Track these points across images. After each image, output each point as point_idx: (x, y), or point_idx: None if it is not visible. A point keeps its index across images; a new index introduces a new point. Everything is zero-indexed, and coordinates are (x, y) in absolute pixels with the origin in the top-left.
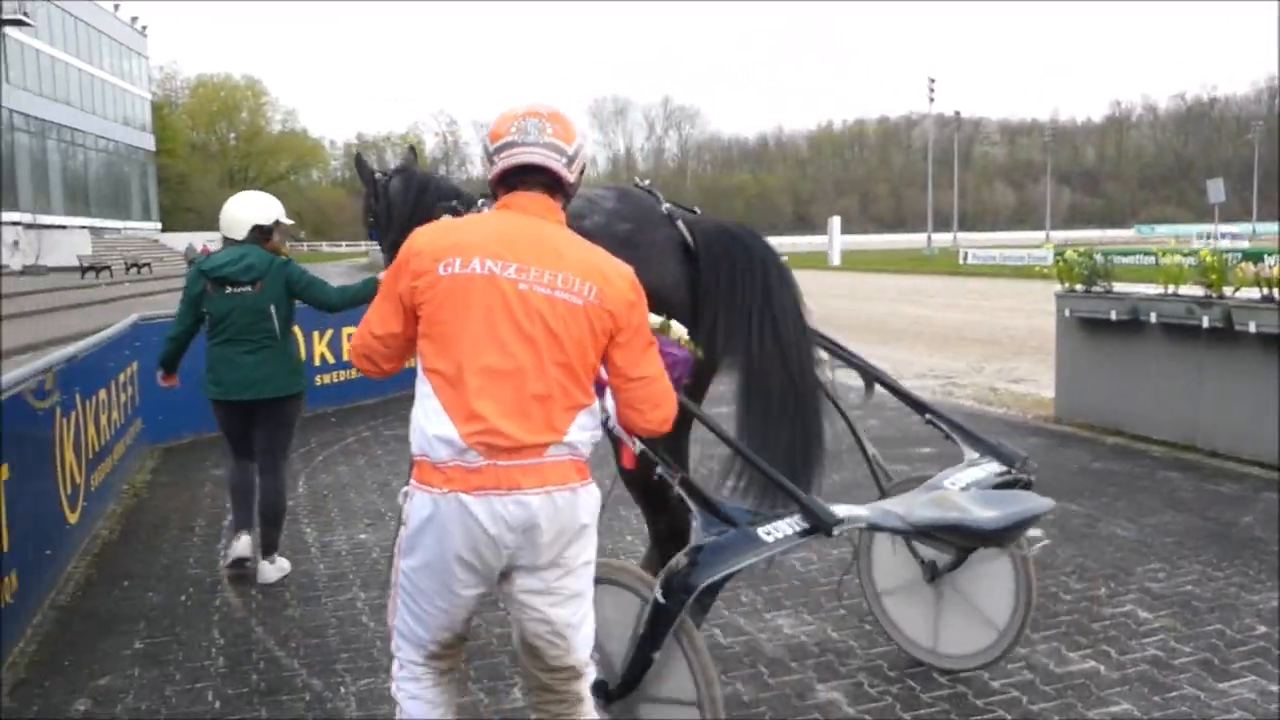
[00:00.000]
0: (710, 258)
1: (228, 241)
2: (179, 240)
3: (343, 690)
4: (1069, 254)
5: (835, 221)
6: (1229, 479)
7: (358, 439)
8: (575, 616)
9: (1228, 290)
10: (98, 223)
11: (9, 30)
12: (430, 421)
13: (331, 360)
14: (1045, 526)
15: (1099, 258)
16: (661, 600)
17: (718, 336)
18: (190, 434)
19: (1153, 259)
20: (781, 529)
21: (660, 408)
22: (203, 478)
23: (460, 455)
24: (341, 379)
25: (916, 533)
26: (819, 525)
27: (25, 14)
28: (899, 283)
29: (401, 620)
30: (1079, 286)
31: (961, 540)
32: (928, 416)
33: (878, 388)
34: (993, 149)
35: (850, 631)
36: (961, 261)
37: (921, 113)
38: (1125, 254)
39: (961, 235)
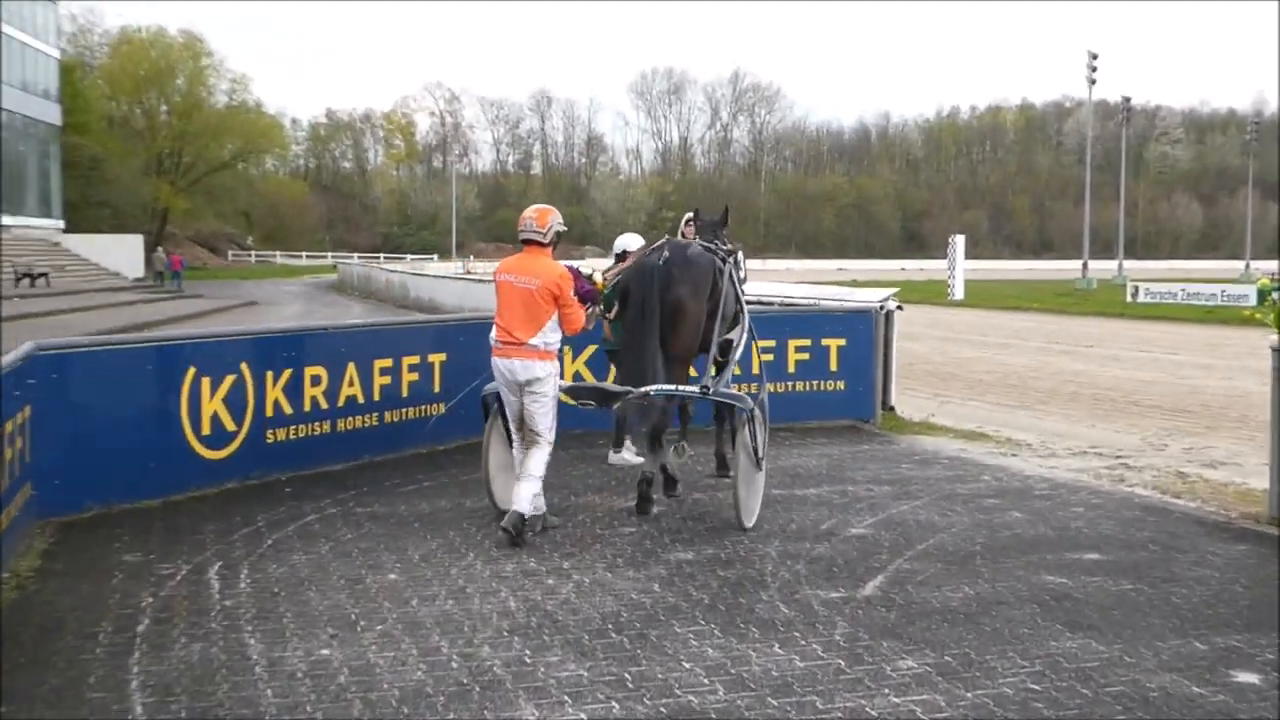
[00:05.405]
0: (632, 271)
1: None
2: (88, 245)
3: None
4: None
5: (958, 242)
6: None
7: (321, 517)
8: (540, 411)
9: None
10: None
11: None
12: (492, 331)
13: (289, 410)
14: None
15: None
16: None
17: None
18: (97, 505)
19: None
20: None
21: (574, 322)
22: (110, 565)
23: (495, 343)
24: (301, 434)
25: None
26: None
27: None
28: (1044, 325)
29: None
30: None
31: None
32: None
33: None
34: (1174, 149)
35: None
36: (1129, 299)
37: (1078, 98)
38: None
39: (1129, 264)
